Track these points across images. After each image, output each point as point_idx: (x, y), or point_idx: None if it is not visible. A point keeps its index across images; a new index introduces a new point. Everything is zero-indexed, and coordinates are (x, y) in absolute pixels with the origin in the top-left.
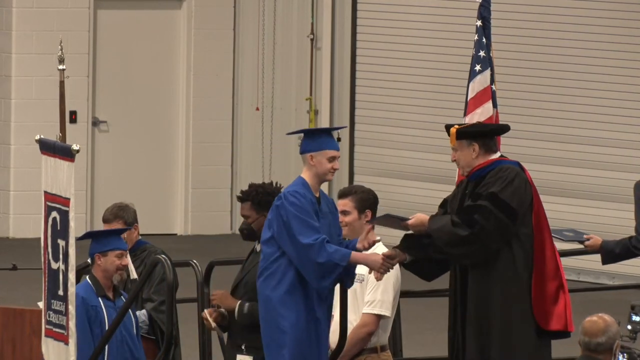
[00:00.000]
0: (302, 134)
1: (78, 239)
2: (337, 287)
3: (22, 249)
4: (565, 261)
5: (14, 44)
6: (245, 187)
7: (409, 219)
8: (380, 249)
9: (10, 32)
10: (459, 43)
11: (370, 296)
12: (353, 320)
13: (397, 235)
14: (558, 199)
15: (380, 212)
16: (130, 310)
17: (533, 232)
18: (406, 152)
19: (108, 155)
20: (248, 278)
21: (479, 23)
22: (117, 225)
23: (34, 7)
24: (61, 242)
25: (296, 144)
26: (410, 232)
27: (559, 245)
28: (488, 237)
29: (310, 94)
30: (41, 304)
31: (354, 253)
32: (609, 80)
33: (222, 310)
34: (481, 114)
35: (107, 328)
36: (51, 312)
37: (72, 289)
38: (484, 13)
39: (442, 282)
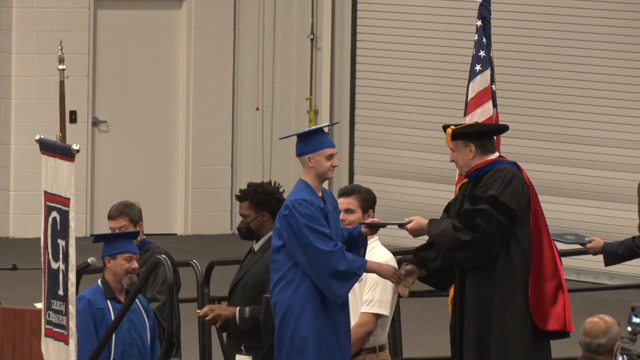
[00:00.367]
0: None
1: (94, 242)
2: None
3: (22, 249)
4: (565, 261)
5: (14, 44)
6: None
7: (406, 223)
8: (378, 248)
9: (10, 32)
10: (459, 43)
11: (369, 295)
12: (352, 320)
13: (396, 235)
14: (558, 199)
15: (378, 212)
16: (145, 314)
17: (531, 232)
18: (406, 152)
19: (108, 155)
20: (246, 278)
21: (479, 23)
22: (121, 222)
23: (34, 7)
24: (61, 242)
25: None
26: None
27: (560, 246)
28: (490, 241)
29: (310, 94)
30: (39, 305)
31: (369, 262)
32: (610, 80)
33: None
34: (481, 114)
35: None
36: (51, 312)
37: (72, 289)
38: (484, 13)
39: None
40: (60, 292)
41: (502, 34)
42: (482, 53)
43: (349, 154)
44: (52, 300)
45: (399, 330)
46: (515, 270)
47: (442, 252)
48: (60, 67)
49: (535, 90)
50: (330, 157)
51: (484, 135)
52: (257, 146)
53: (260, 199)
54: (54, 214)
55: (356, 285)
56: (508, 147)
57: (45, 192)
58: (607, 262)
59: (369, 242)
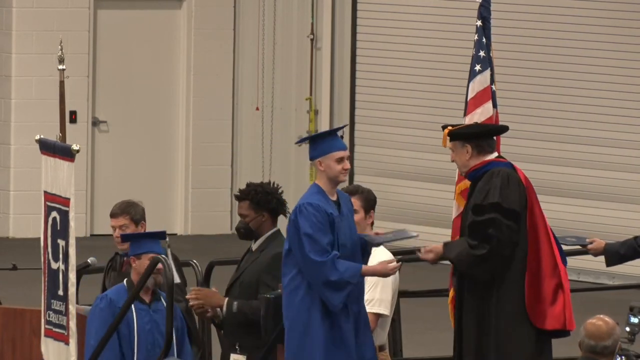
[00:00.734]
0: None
1: (122, 242)
2: None
3: (22, 249)
4: None
5: (14, 44)
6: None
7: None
8: (379, 249)
9: (10, 32)
10: (459, 43)
11: (369, 295)
12: None
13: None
14: (558, 199)
15: (378, 212)
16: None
17: (527, 231)
18: (406, 152)
19: (108, 155)
20: (243, 277)
21: (479, 23)
22: (122, 221)
23: (34, 7)
24: (61, 242)
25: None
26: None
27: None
28: (504, 247)
29: (310, 94)
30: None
31: (363, 267)
32: (609, 80)
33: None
34: (481, 114)
35: (135, 331)
36: (51, 312)
37: (72, 289)
38: (484, 13)
39: (442, 282)
40: (60, 292)
41: (502, 34)
42: (482, 53)
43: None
44: (52, 300)
45: (399, 330)
46: (511, 270)
47: (464, 271)
48: (60, 67)
49: (535, 90)
50: (340, 160)
51: (479, 136)
52: (257, 146)
53: (260, 199)
54: (54, 214)
55: None
56: (507, 147)
57: (45, 192)
58: (609, 263)
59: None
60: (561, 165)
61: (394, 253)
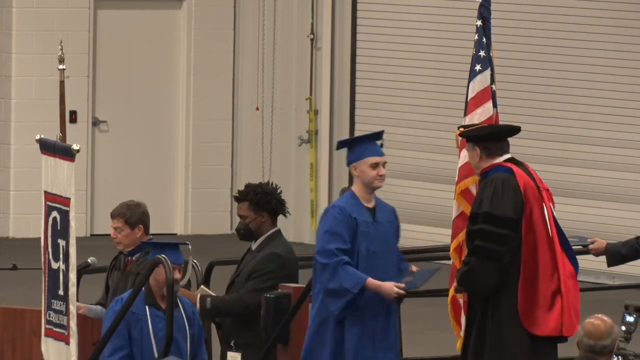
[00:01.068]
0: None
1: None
2: None
3: (22, 249)
4: None
5: (14, 44)
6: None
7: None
8: None
9: (10, 32)
10: (459, 43)
11: None
12: None
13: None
14: (559, 199)
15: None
16: (187, 322)
17: (523, 236)
18: (406, 152)
19: (108, 155)
20: (241, 277)
21: (479, 23)
22: (116, 223)
23: (34, 7)
24: (61, 242)
25: (296, 144)
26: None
27: None
28: (500, 256)
29: (310, 94)
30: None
31: (369, 280)
32: (610, 80)
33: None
34: (481, 114)
35: (151, 336)
36: (51, 312)
37: (72, 289)
38: (484, 13)
39: (442, 281)
40: (61, 292)
41: (502, 34)
42: (482, 53)
43: None
44: (52, 300)
45: (399, 330)
46: (508, 275)
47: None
48: (60, 67)
49: (536, 90)
50: (375, 165)
51: (486, 139)
52: (257, 146)
53: (260, 199)
54: (54, 213)
55: None
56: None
57: (46, 192)
58: (610, 263)
59: None
60: (562, 165)
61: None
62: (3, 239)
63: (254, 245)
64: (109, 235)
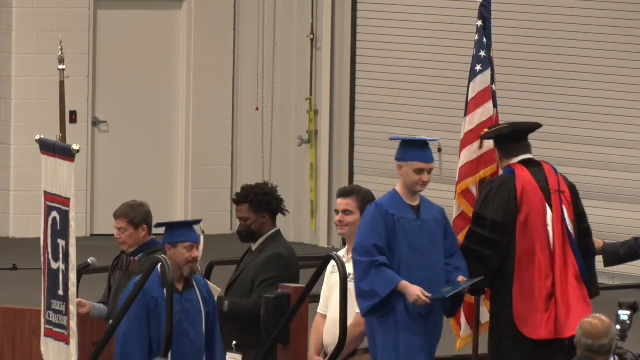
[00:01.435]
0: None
1: (155, 227)
2: (337, 287)
3: (22, 249)
4: None
5: (14, 44)
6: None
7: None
8: None
9: (10, 32)
10: (459, 43)
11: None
12: (349, 320)
13: None
14: None
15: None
16: (202, 302)
17: (517, 241)
18: None
19: (108, 155)
20: (242, 277)
21: (479, 23)
22: (120, 224)
23: (34, 7)
24: (61, 242)
25: (296, 144)
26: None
27: None
28: (486, 259)
29: (310, 94)
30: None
31: (402, 283)
32: (610, 80)
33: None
34: (482, 114)
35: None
36: (51, 312)
37: (72, 289)
38: (485, 13)
39: None
40: (61, 292)
41: (502, 34)
42: (482, 53)
43: (349, 154)
44: (52, 300)
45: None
46: (503, 280)
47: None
48: (60, 67)
49: (536, 90)
50: (419, 171)
51: (498, 140)
52: (257, 146)
53: (260, 200)
54: (54, 214)
55: (351, 285)
56: None
57: (45, 192)
58: (607, 263)
59: None
60: (562, 165)
61: None
62: (3, 239)
63: (255, 246)
64: (109, 235)
